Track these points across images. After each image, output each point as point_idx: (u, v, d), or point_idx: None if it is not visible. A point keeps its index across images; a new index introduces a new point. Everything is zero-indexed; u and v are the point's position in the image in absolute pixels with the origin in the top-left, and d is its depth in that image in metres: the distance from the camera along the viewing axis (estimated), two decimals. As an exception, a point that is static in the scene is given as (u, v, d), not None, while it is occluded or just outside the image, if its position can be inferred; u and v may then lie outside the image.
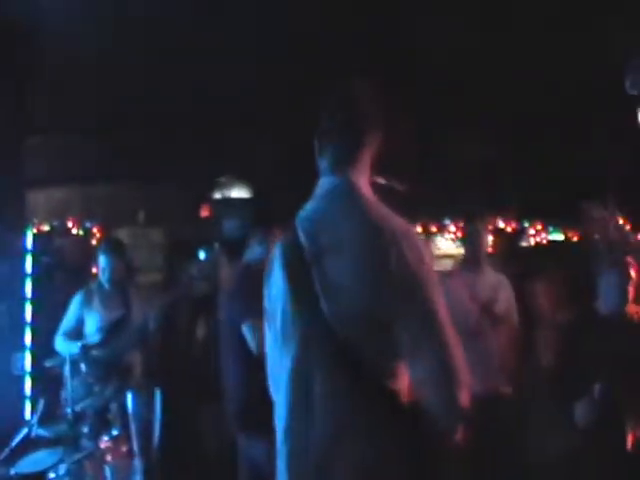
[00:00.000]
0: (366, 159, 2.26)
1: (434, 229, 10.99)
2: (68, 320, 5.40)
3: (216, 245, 6.27)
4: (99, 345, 5.10)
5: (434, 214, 10.99)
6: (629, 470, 3.50)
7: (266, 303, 2.28)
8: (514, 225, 11.35)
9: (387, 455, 2.01)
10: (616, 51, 5.80)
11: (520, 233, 11.48)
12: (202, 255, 6.02)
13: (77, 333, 5.25)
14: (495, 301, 5.15)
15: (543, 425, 4.60)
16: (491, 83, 8.63)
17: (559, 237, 12.01)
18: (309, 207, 2.23)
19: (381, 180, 2.52)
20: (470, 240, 5.41)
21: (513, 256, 9.60)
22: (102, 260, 5.42)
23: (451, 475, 2.10)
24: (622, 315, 3.86)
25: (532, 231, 11.57)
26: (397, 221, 2.12)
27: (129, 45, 7.37)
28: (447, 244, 11.54)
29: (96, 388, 4.42)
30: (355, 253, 2.04)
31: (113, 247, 5.59)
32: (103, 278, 5.42)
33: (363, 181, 2.23)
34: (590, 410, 3.54)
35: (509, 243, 10.88)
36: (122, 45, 7.32)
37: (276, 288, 2.20)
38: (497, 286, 5.26)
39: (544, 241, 11.98)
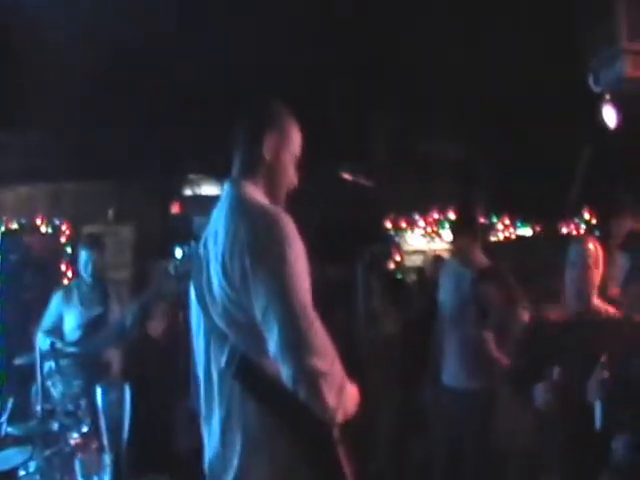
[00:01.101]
0: (261, 169, 2.42)
1: (403, 224, 11.04)
2: (48, 318, 5.43)
3: (192, 243, 6.28)
4: (78, 342, 5.12)
5: (402, 209, 11.04)
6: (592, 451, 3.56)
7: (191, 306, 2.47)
8: (482, 220, 11.45)
9: (269, 434, 2.14)
10: (582, 50, 5.89)
11: (488, 228, 11.58)
12: (179, 253, 6.02)
13: (57, 330, 5.25)
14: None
15: (511, 416, 4.68)
16: (458, 80, 8.69)
17: (527, 232, 12.15)
18: (212, 215, 2.43)
19: (347, 176, 2.64)
20: (456, 246, 5.53)
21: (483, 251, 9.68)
22: (83, 255, 5.45)
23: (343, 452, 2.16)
24: (585, 310, 3.86)
25: (500, 226, 11.69)
26: (263, 209, 2.26)
27: (98, 43, 7.33)
28: (417, 240, 11.61)
29: (67, 385, 4.41)
30: (218, 249, 2.22)
31: (93, 242, 5.64)
32: (85, 273, 5.46)
33: (254, 189, 2.38)
34: (548, 392, 3.63)
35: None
36: (91, 42, 7.28)
37: (192, 292, 2.43)
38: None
39: (513, 236, 12.10)
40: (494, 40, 7.56)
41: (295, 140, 2.48)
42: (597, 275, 3.83)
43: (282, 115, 2.47)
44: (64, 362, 4.74)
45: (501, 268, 5.21)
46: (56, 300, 5.46)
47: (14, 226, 8.79)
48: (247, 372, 2.15)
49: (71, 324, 5.34)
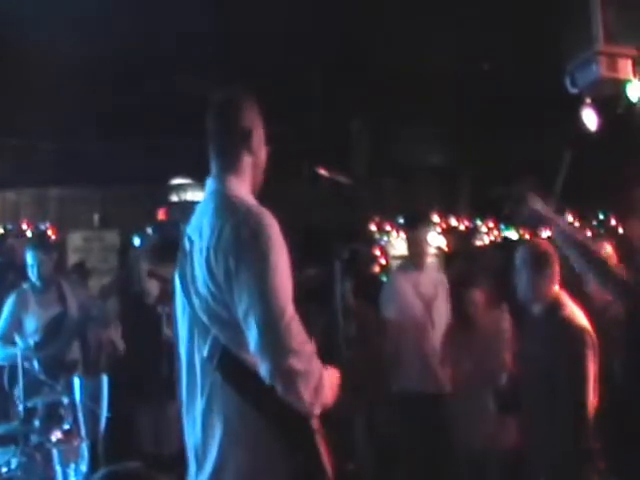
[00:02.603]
0: (246, 165, 2.44)
1: (388, 228, 11.07)
2: (3, 323, 5.24)
3: (149, 230, 6.33)
4: (41, 345, 4.96)
5: (387, 214, 11.09)
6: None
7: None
8: (467, 223, 11.49)
9: (249, 424, 2.19)
10: (562, 51, 5.97)
11: (473, 231, 11.62)
12: (137, 241, 6.06)
13: (13, 335, 5.01)
14: (436, 299, 5.28)
15: (473, 421, 4.68)
16: (443, 84, 8.77)
17: (513, 235, 12.16)
18: (196, 210, 2.44)
19: (324, 172, 2.61)
20: (412, 244, 5.52)
21: (467, 255, 9.72)
22: (29, 257, 5.28)
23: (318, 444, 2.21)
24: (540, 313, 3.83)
25: (484, 229, 11.71)
26: (248, 209, 2.26)
27: (83, 49, 7.36)
28: (403, 244, 11.57)
29: (47, 385, 4.42)
30: (203, 244, 2.25)
31: (39, 242, 5.50)
32: (33, 276, 5.29)
33: (239, 184, 2.40)
34: (495, 397, 3.70)
35: (462, 241, 11.02)
36: (76, 49, 7.31)
37: (176, 283, 2.43)
38: (438, 284, 5.40)
39: (498, 239, 12.12)
40: (473, 46, 7.64)
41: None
42: (548, 276, 3.76)
43: (257, 111, 2.49)
44: (41, 363, 4.67)
45: (479, 272, 5.24)
46: (10, 304, 5.30)
47: (0, 230, 8.79)
48: (228, 365, 2.20)
49: (31, 327, 5.21)
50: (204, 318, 2.23)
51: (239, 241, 2.16)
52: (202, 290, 2.23)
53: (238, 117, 2.44)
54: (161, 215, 11.77)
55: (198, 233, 2.30)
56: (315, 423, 2.23)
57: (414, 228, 5.56)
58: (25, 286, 5.38)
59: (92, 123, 9.52)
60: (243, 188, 2.40)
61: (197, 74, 7.98)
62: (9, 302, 5.30)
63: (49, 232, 9.26)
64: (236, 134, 2.43)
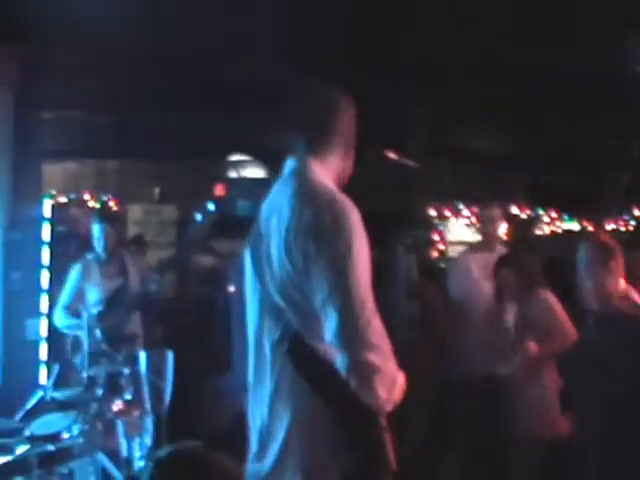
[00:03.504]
0: (328, 147, 2.37)
1: (447, 213, 10.97)
2: (67, 293, 5.32)
3: (210, 207, 6.35)
4: (104, 315, 5.04)
5: (448, 199, 10.99)
6: None
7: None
8: (528, 212, 11.32)
9: (316, 413, 2.14)
10: (620, 36, 5.81)
11: (534, 220, 11.45)
12: (198, 217, 6.08)
13: (77, 306, 5.08)
14: None
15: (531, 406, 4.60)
16: (502, 72, 8.64)
17: (574, 226, 11.96)
18: (273, 189, 2.38)
19: (392, 155, 2.60)
20: (485, 224, 5.49)
21: (526, 244, 9.58)
22: (96, 230, 5.37)
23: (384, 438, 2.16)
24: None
25: (546, 219, 11.53)
26: (331, 195, 2.20)
27: (144, 24, 7.41)
28: (461, 230, 11.46)
29: (108, 355, 4.47)
30: (282, 225, 2.18)
31: (105, 216, 5.61)
32: (99, 248, 5.38)
33: (322, 170, 2.34)
34: None
35: (521, 230, 10.86)
36: (138, 24, 7.35)
37: (247, 261, 2.37)
38: None
39: (559, 230, 11.94)
40: (536, 33, 7.48)
41: (353, 125, 2.44)
42: (614, 271, 3.69)
43: (346, 99, 2.43)
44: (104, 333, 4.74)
45: (522, 254, 5.18)
46: (75, 275, 5.37)
47: (64, 200, 8.97)
48: (300, 351, 2.17)
49: (93, 298, 5.27)
50: (278, 300, 2.18)
51: (321, 227, 2.10)
52: (278, 271, 2.18)
53: (329, 101, 2.40)
54: (219, 191, 11.85)
55: (277, 213, 2.25)
56: (383, 420, 2.16)
57: (489, 207, 5.51)
58: (89, 257, 5.48)
59: (153, 97, 9.59)
60: (325, 174, 2.34)
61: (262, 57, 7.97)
62: (74, 272, 5.40)
63: (111, 204, 9.41)
64: (322, 117, 2.38)
